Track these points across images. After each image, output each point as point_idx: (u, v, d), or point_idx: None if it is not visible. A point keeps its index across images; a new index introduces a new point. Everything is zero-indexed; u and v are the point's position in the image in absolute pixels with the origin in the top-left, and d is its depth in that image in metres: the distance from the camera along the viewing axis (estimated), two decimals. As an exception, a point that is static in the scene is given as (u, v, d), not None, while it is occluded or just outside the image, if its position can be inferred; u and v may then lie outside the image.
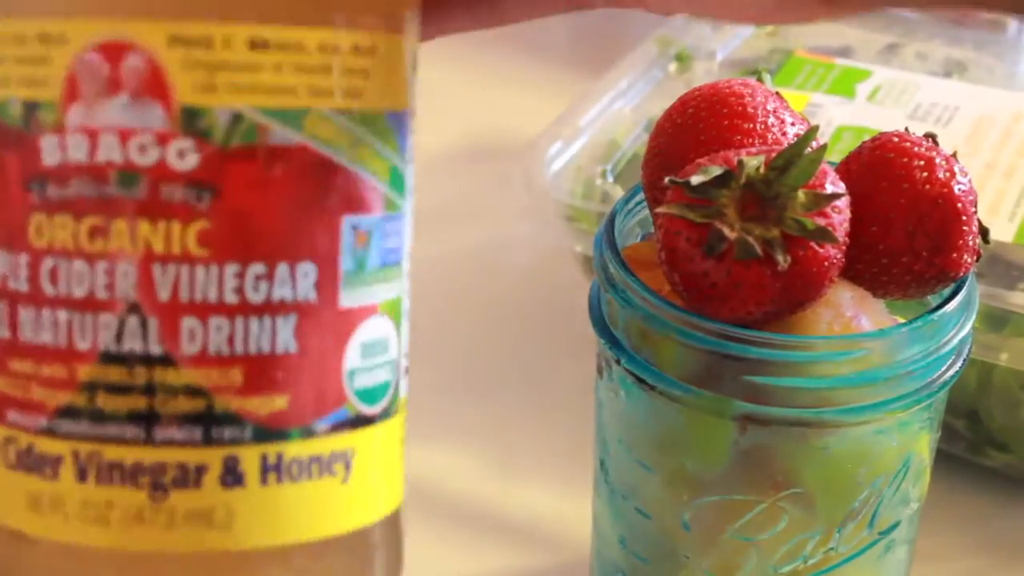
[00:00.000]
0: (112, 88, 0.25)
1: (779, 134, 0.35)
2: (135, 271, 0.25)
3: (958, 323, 0.33)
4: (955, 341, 0.33)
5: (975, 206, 0.34)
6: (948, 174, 0.33)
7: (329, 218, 0.26)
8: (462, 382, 0.54)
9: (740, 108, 0.35)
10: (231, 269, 0.25)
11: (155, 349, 0.25)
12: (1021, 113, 0.54)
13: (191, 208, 0.25)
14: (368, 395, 0.28)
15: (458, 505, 0.48)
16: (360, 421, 0.28)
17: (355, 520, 0.28)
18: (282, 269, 0.26)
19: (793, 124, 0.35)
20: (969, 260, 0.34)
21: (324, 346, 0.27)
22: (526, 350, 0.56)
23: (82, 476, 0.25)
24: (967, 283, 0.34)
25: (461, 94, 0.71)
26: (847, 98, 0.56)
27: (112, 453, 0.25)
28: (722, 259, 0.31)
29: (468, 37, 0.32)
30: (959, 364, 0.34)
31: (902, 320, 0.34)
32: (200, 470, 0.25)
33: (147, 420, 0.25)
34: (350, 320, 0.27)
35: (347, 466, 0.27)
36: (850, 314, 0.33)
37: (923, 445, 0.35)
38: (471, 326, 0.57)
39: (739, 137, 0.34)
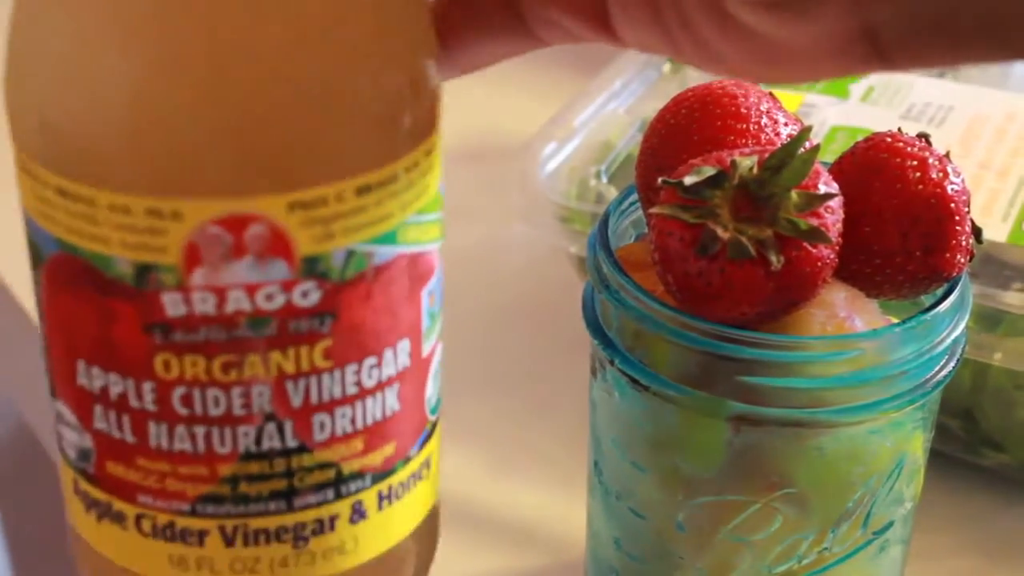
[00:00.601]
0: (236, 253, 0.26)
1: (772, 134, 0.35)
2: (270, 390, 0.27)
3: (951, 323, 0.33)
4: (948, 341, 0.33)
5: (968, 206, 0.34)
6: (941, 174, 0.33)
7: (414, 298, 0.29)
8: (456, 383, 0.53)
9: (733, 108, 0.35)
10: (351, 369, 0.28)
11: (292, 443, 0.28)
12: (1015, 113, 0.54)
13: (316, 333, 0.27)
14: (435, 407, 0.32)
15: (449, 505, 0.48)
16: (433, 429, 0.32)
17: (433, 499, 0.33)
18: (388, 354, 0.29)
19: (786, 124, 0.35)
20: (962, 260, 0.34)
21: (416, 393, 0.30)
22: (520, 351, 0.56)
23: (229, 543, 0.28)
24: (960, 283, 0.34)
25: (455, 95, 0.70)
26: (840, 98, 0.56)
27: (257, 524, 0.28)
28: (715, 259, 0.31)
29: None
30: (953, 364, 0.34)
31: (895, 320, 0.34)
32: (333, 519, 0.29)
33: (287, 495, 0.28)
34: (428, 362, 0.31)
35: (428, 466, 0.32)
36: (843, 314, 0.33)
37: (917, 445, 0.35)
38: (464, 327, 0.57)
39: (732, 137, 0.34)
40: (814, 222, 0.31)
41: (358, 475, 0.29)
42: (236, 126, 0.25)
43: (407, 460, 0.31)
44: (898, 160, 0.33)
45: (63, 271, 0.27)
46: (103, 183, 0.26)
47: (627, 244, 0.37)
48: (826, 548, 0.35)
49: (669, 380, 0.33)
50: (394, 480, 0.30)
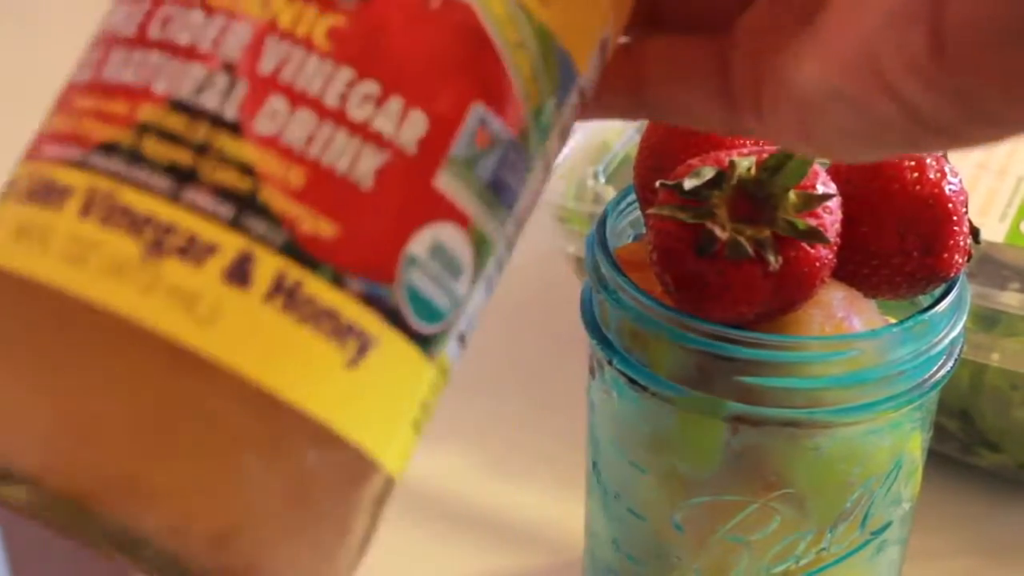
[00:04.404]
0: None
1: (770, 135, 0.35)
2: (250, 33, 0.23)
3: (949, 323, 0.33)
4: (946, 341, 0.33)
5: (966, 206, 0.34)
6: (939, 175, 0.33)
7: (462, 93, 0.24)
8: (454, 383, 0.53)
9: (731, 109, 0.35)
10: (345, 73, 0.23)
11: (230, 112, 0.23)
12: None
13: (335, 2, 0.23)
14: (421, 306, 0.25)
15: (449, 506, 0.48)
16: (396, 318, 0.24)
17: (342, 419, 0.24)
18: (394, 102, 0.23)
19: (784, 125, 0.35)
20: (960, 260, 0.34)
21: (400, 208, 0.24)
22: (518, 351, 0.56)
23: (86, 211, 0.23)
24: (958, 283, 0.34)
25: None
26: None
27: (129, 197, 0.23)
28: (714, 260, 0.31)
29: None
30: (950, 364, 0.34)
31: (893, 320, 0.34)
32: (209, 250, 0.22)
33: (183, 177, 0.23)
34: (434, 205, 0.24)
35: (361, 350, 0.24)
36: (841, 314, 0.33)
37: (915, 445, 0.35)
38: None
39: (730, 138, 0.34)
40: (812, 222, 0.31)
41: (272, 217, 0.22)
42: None
43: (339, 280, 0.23)
44: (896, 161, 0.33)
45: None
46: None
47: (625, 244, 0.37)
48: (824, 548, 0.35)
49: (667, 380, 0.33)
50: (308, 282, 0.23)
